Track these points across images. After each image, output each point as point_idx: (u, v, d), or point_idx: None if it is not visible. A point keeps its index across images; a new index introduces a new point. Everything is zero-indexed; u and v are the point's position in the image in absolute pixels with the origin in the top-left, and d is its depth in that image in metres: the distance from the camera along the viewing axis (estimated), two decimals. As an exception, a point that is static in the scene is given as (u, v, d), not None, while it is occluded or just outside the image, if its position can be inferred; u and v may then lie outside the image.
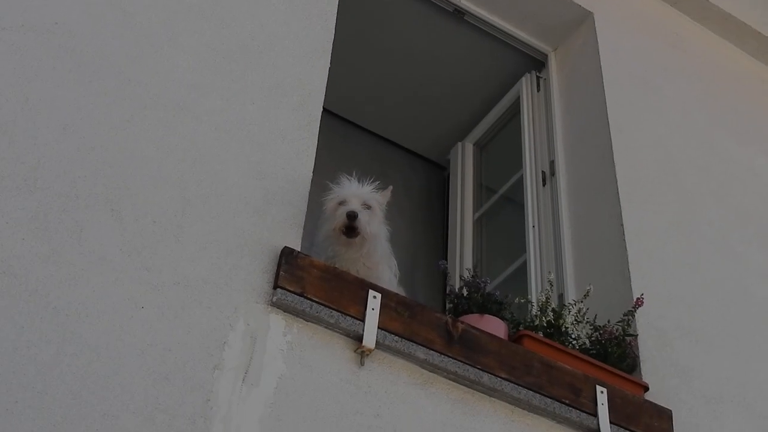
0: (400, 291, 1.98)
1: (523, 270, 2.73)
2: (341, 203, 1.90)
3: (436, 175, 3.63)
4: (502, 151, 3.35)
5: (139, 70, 1.83)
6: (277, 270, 1.76)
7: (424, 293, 3.06)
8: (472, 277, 2.11)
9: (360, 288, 1.82)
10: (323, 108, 1.94)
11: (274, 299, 1.73)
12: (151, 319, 1.57)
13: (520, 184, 2.97)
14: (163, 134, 1.75)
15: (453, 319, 1.90)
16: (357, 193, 1.91)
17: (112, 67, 1.79)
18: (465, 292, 2.09)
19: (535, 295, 2.54)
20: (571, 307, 2.16)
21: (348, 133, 3.36)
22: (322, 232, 1.91)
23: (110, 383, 1.48)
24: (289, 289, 1.74)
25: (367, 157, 3.34)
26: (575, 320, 2.13)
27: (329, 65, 2.07)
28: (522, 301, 2.22)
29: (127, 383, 1.49)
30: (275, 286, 1.74)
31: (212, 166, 1.76)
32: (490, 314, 2.04)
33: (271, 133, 1.87)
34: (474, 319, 2.01)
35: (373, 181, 1.91)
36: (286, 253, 1.76)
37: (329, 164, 2.78)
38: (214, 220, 1.76)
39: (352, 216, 1.86)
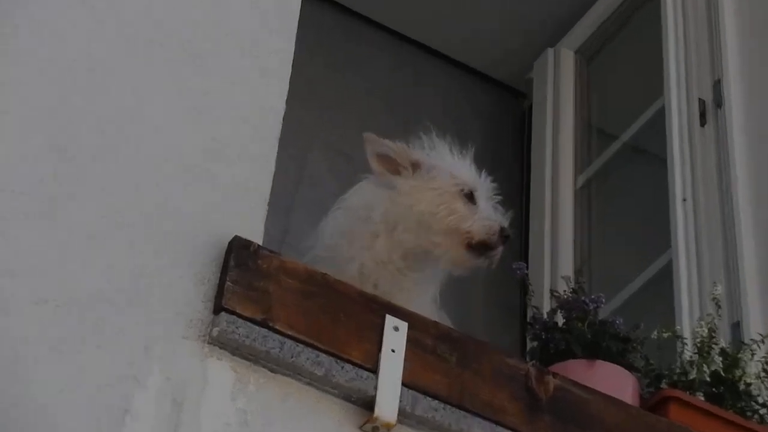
0: (442, 318, 2.08)
1: (665, 278, 2.72)
2: (466, 193, 2.17)
3: (508, 108, 3.69)
4: (624, 66, 3.37)
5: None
6: (220, 278, 1.77)
7: (486, 322, 3.15)
8: (574, 291, 2.16)
9: (370, 311, 1.84)
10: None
11: (215, 332, 1.73)
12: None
13: (658, 124, 2.97)
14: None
15: (539, 369, 1.92)
16: (485, 186, 2.21)
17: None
18: (560, 320, 2.15)
19: (687, 324, 2.52)
20: (755, 347, 2.18)
21: (361, 30, 3.52)
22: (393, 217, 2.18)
23: None
24: (242, 313, 1.74)
25: (383, 67, 3.53)
26: (764, 372, 2.14)
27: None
28: (665, 335, 2.23)
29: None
30: (217, 308, 1.74)
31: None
32: (606, 359, 2.07)
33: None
34: (578, 369, 2.06)
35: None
36: (238, 248, 1.79)
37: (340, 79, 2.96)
38: (111, 188, 1.82)
39: (507, 236, 2.14)
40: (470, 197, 2.19)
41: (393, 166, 2.22)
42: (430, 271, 2.20)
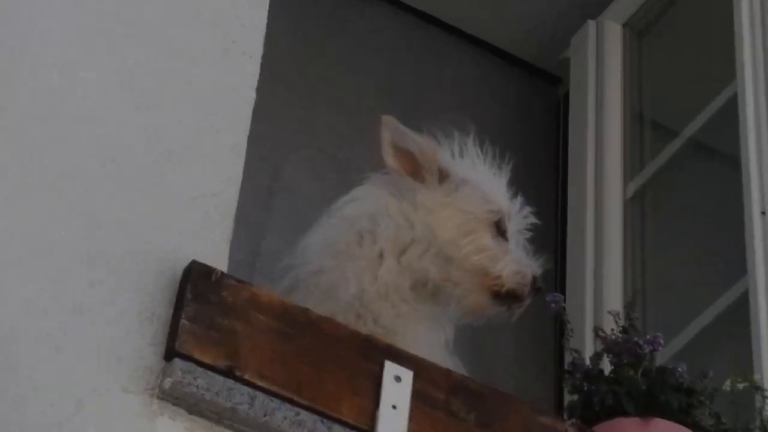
0: (456, 366, 2.09)
1: (740, 312, 2.73)
2: (497, 223, 2.24)
3: (538, 95, 3.70)
4: (684, 44, 3.38)
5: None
6: (173, 315, 1.79)
7: (513, 369, 3.16)
8: (624, 330, 2.18)
9: (365, 356, 1.86)
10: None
11: (167, 383, 1.74)
12: None
13: (729, 116, 2.98)
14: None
15: (580, 429, 1.97)
16: (519, 215, 2.30)
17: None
18: (606, 366, 2.16)
19: None
20: None
21: (372, 8, 3.57)
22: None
23: None
24: (202, 360, 1.75)
25: (399, 45, 3.57)
26: None
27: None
28: (740, 386, 2.25)
29: None
30: (169, 353, 1.76)
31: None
32: (665, 417, 2.08)
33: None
34: (629, 429, 2.07)
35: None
36: (196, 276, 1.81)
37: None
38: (28, 198, 1.82)
39: (539, 289, 2.23)
40: (501, 229, 2.23)
41: (414, 168, 2.23)
42: (443, 308, 2.23)
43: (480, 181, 2.25)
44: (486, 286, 2.19)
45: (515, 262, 2.20)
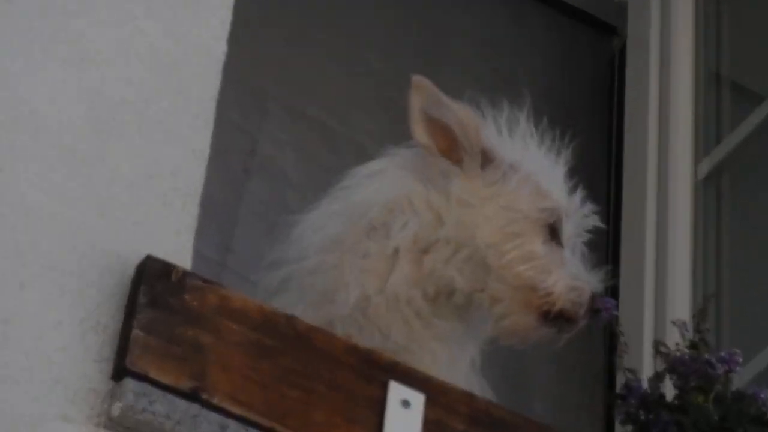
0: (483, 389, 2.13)
1: None
2: (551, 225, 2.26)
3: (589, 48, 3.74)
4: None
5: None
6: (123, 324, 1.80)
7: (551, 393, 3.18)
8: (692, 345, 2.21)
9: (365, 375, 1.88)
10: None
11: (116, 409, 1.75)
12: None
13: None
14: None
15: None
16: (577, 215, 2.32)
17: None
18: (669, 390, 2.20)
19: None
20: None
21: None
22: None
23: None
24: (160, 380, 1.76)
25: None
26: None
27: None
28: None
29: None
30: (119, 372, 1.76)
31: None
32: None
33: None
34: None
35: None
36: (153, 275, 1.82)
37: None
38: None
39: (597, 311, 2.25)
40: (555, 232, 2.24)
41: (450, 146, 2.23)
42: (469, 324, 2.24)
43: (533, 168, 2.26)
44: (533, 304, 2.19)
45: (571, 276, 2.21)
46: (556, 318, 2.20)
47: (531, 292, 2.18)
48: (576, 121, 3.46)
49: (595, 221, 2.31)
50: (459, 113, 2.22)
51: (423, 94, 2.22)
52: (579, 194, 2.29)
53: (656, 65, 3.41)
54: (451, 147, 2.22)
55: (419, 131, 2.22)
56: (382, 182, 2.24)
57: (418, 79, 2.23)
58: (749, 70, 3.42)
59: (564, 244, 2.24)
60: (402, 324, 2.16)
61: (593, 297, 2.21)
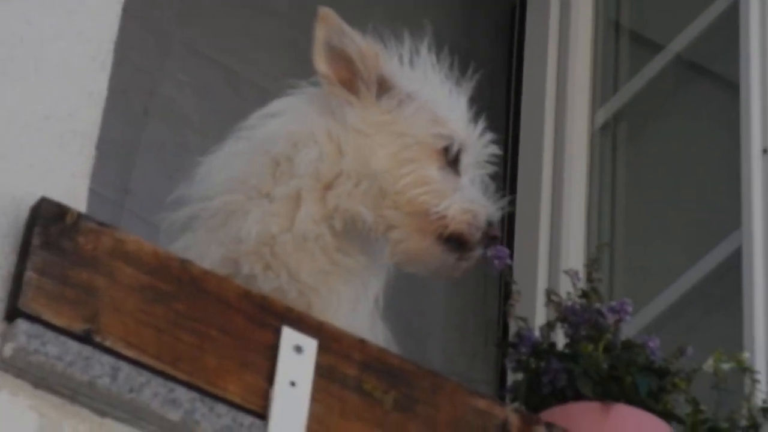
0: (383, 335, 2.15)
1: (730, 274, 2.77)
2: (449, 152, 2.25)
3: (494, 11, 3.72)
4: None
5: None
6: (17, 266, 1.78)
7: (445, 339, 3.18)
8: (584, 294, 2.21)
9: (257, 320, 1.88)
10: None
11: (8, 350, 1.73)
12: None
13: (726, 28, 3.01)
14: None
15: (524, 417, 1.97)
16: (478, 144, 2.32)
17: None
18: (560, 339, 2.20)
19: (763, 348, 2.58)
20: None
21: None
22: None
23: None
24: (53, 322, 1.75)
25: None
26: None
27: None
28: (725, 366, 2.29)
29: None
30: (11, 313, 1.75)
31: None
32: (631, 403, 2.12)
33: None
34: (586, 416, 2.11)
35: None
36: (47, 218, 1.81)
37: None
38: None
39: (494, 237, 2.24)
40: (451, 159, 2.24)
41: (350, 77, 2.24)
42: (372, 256, 2.24)
43: (432, 97, 2.27)
44: (428, 228, 2.20)
45: (465, 200, 2.21)
46: (450, 241, 2.21)
47: (425, 216, 2.19)
48: (477, 62, 3.47)
49: (494, 150, 2.33)
50: (359, 42, 2.24)
51: (327, 24, 2.24)
52: (480, 125, 2.31)
53: (556, 14, 3.41)
54: (350, 77, 2.24)
55: (320, 61, 2.23)
56: (285, 117, 2.25)
57: (324, 10, 2.24)
58: (648, 18, 3.42)
59: (462, 173, 2.25)
60: (310, 261, 2.17)
61: (490, 222, 2.22)
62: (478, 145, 2.29)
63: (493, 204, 2.25)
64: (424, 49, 2.29)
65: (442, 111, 2.26)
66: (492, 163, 2.32)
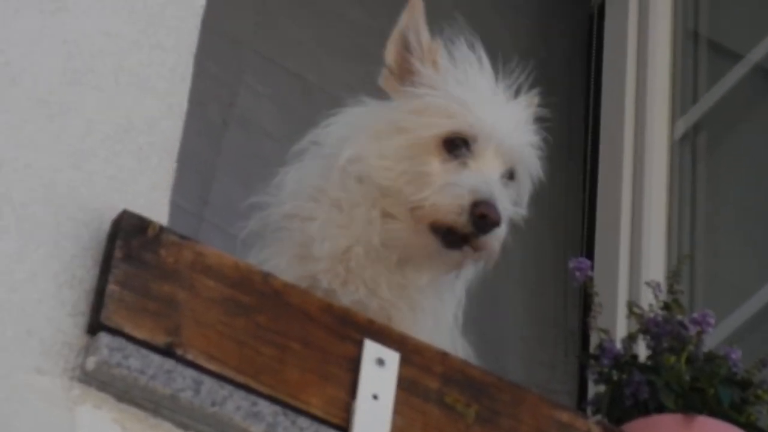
0: (463, 351, 2.16)
1: None
2: (457, 139, 2.20)
3: (565, 6, 3.69)
4: None
5: None
6: (99, 279, 1.80)
7: (525, 353, 3.17)
8: (666, 306, 2.21)
9: (339, 334, 1.88)
10: None
11: (91, 363, 1.75)
12: None
13: None
14: None
15: (607, 428, 1.99)
16: (506, 124, 2.25)
17: None
18: (642, 351, 2.22)
19: None
20: None
21: None
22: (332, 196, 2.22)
23: None
24: (135, 335, 1.76)
25: None
26: None
27: None
28: None
29: None
30: (93, 326, 1.76)
31: None
32: (714, 415, 2.13)
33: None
34: (665, 426, 2.12)
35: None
36: (128, 231, 1.81)
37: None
38: None
39: (483, 216, 2.13)
40: (455, 147, 2.20)
41: (408, 69, 2.26)
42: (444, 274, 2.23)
43: (456, 78, 2.25)
44: (421, 219, 2.17)
45: (449, 186, 2.16)
46: (442, 232, 2.16)
47: (414, 208, 2.17)
48: (554, 77, 3.47)
49: (540, 132, 2.30)
50: (425, 38, 2.25)
51: (411, 14, 2.26)
52: (524, 104, 2.30)
53: (635, 23, 3.41)
54: (408, 70, 2.26)
55: (390, 50, 2.27)
56: (351, 127, 2.27)
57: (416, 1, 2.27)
58: (727, 28, 3.42)
59: (477, 160, 2.19)
60: (387, 275, 2.17)
61: (474, 203, 2.13)
62: (512, 135, 2.24)
63: (485, 185, 2.16)
64: (461, 40, 2.29)
65: (462, 92, 2.23)
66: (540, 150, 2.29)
